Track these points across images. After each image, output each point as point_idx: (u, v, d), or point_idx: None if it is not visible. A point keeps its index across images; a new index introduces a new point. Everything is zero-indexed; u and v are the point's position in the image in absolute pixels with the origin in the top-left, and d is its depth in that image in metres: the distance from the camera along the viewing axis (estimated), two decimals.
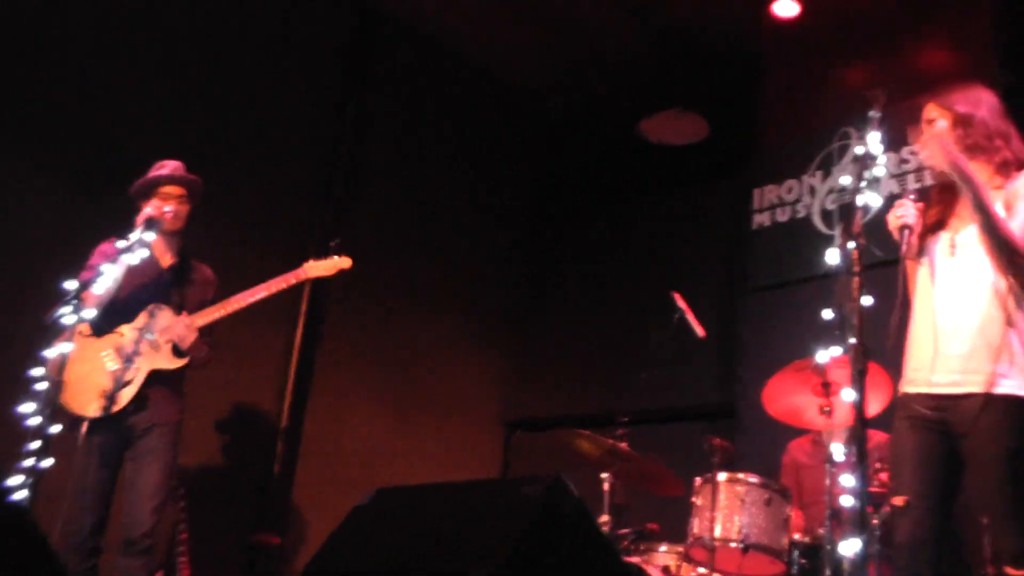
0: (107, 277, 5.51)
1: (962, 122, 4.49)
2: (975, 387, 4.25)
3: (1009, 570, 4.01)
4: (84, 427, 5.72)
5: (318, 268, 6.67)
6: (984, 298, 4.38)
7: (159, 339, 6.01)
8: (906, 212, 4.30)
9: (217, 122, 8.47)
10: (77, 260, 6.04)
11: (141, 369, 5.94)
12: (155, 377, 6.02)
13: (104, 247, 6.06)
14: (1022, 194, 4.45)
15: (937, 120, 4.56)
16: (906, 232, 4.17)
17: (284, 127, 9.08)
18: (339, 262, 6.77)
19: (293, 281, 6.53)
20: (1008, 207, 4.42)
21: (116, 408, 5.79)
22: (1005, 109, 4.68)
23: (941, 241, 4.53)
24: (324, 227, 8.91)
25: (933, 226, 4.55)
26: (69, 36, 7.73)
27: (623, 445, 6.17)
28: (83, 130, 7.69)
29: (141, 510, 5.80)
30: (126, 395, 5.86)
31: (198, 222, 6.45)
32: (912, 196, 4.40)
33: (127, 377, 5.85)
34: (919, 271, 4.56)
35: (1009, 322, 4.30)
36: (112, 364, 5.91)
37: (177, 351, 6.08)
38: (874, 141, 4.18)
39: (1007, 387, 4.23)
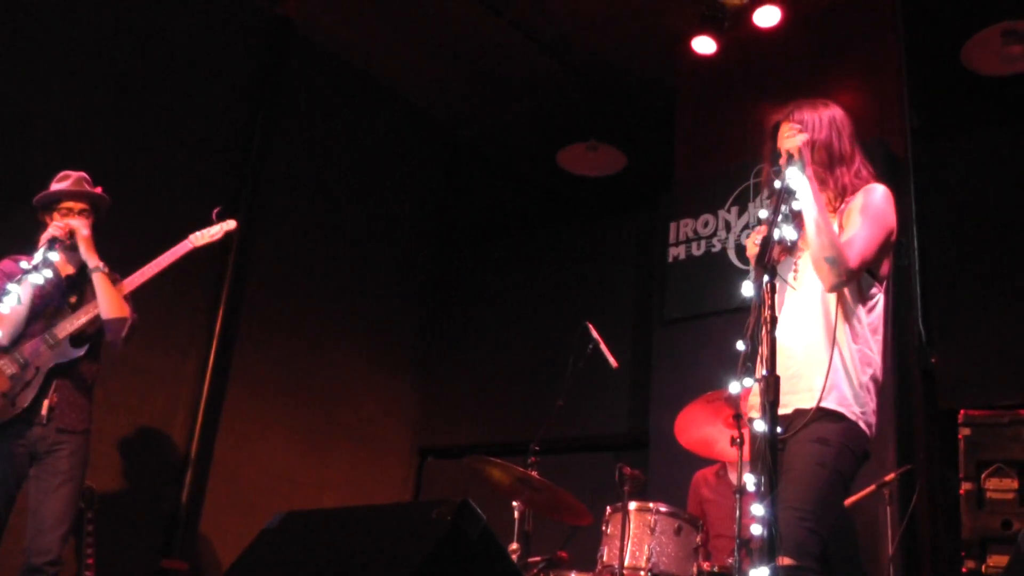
0: (13, 296, 5.42)
1: (811, 144, 4.48)
2: (799, 404, 4.27)
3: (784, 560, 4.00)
4: None
5: (203, 236, 6.44)
6: (817, 320, 4.41)
7: (57, 336, 5.91)
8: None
9: (122, 138, 8.37)
10: None
11: (40, 369, 5.86)
12: (60, 377, 5.93)
13: (5, 264, 5.97)
14: (855, 209, 4.47)
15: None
16: (756, 263, 4.09)
17: (186, 150, 8.97)
18: (225, 226, 6.54)
19: (181, 253, 6.29)
20: (842, 228, 4.45)
21: (16, 410, 5.76)
22: (853, 132, 4.68)
23: (786, 266, 4.54)
24: (229, 250, 8.83)
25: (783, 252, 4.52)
26: None
27: (534, 473, 6.15)
28: None
29: (49, 539, 5.69)
30: (26, 397, 5.80)
31: (104, 237, 6.31)
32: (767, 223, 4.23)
33: (26, 378, 5.82)
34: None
35: (835, 343, 4.31)
36: (9, 369, 5.81)
37: (75, 341, 5.97)
38: (792, 175, 4.16)
39: (824, 402, 4.22)
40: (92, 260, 6.01)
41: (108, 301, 5.98)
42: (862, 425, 4.29)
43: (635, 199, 10.17)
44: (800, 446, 4.18)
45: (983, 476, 5.98)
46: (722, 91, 9.25)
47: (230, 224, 6.56)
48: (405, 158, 11.21)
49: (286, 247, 9.65)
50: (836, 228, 4.46)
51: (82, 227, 6.01)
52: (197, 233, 6.43)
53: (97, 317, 6.00)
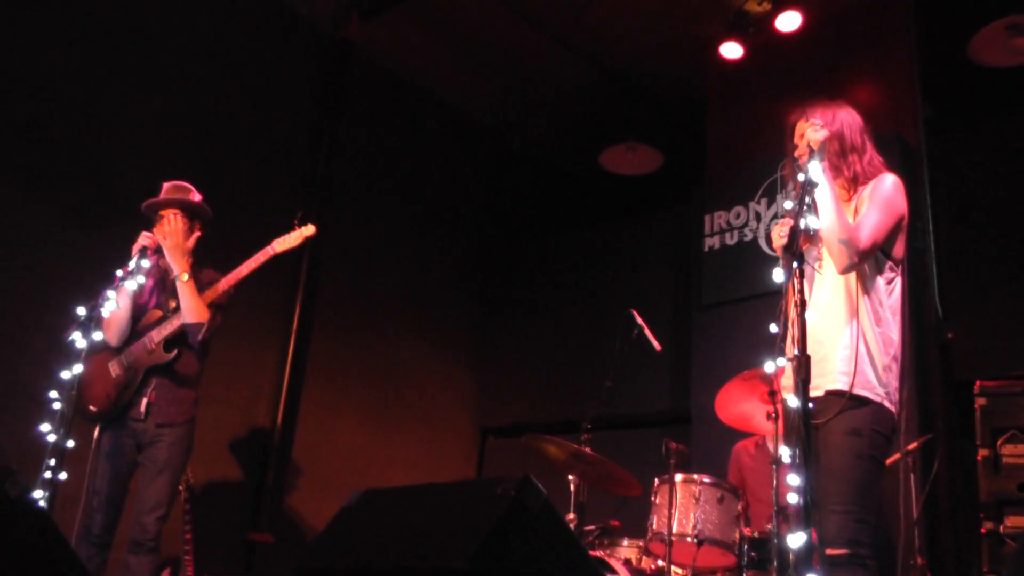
0: (111, 302, 5.51)
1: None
2: (829, 386, 4.25)
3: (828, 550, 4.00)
4: (96, 432, 5.86)
5: (285, 242, 6.35)
6: (841, 304, 4.39)
7: (153, 340, 6.02)
8: (788, 231, 4.02)
9: (206, 151, 8.51)
10: (83, 285, 6.03)
11: (139, 371, 5.98)
12: (158, 377, 6.03)
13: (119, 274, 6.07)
14: (867, 196, 4.47)
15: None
16: (785, 251, 4.00)
17: (261, 159, 9.12)
18: (304, 231, 6.43)
19: (263, 260, 6.23)
20: (856, 214, 4.44)
21: (119, 407, 5.92)
22: (864, 127, 4.67)
23: (810, 254, 4.49)
24: (303, 251, 8.90)
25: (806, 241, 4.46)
26: (65, 82, 7.76)
27: (587, 449, 6.18)
28: (81, 168, 7.74)
29: (147, 520, 5.81)
30: (126, 397, 5.94)
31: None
32: (791, 214, 4.09)
33: (127, 380, 5.95)
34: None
35: (858, 325, 4.29)
36: (115, 371, 5.96)
37: (167, 346, 6.05)
38: (814, 168, 4.15)
39: (848, 385, 4.20)
40: (175, 267, 6.07)
41: (187, 306, 6.03)
42: (887, 404, 4.27)
43: (672, 194, 10.17)
44: (835, 438, 4.18)
45: (999, 442, 5.96)
46: (749, 92, 9.24)
47: (309, 229, 6.47)
48: (459, 163, 11.26)
49: (354, 246, 9.73)
50: (852, 214, 4.47)
51: (165, 239, 6.09)
52: (279, 239, 6.42)
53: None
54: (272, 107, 9.24)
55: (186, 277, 6.05)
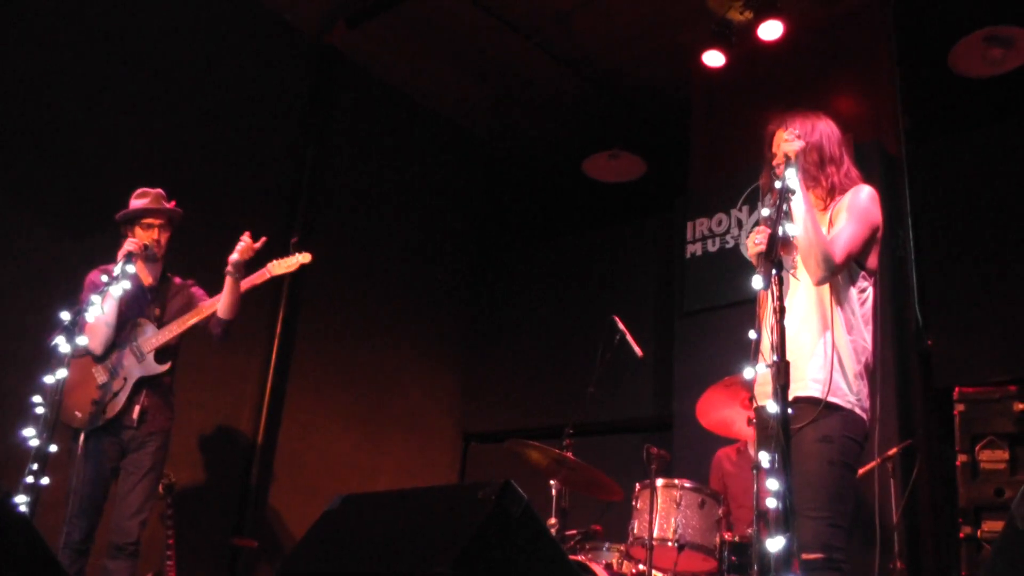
0: (96, 307, 5.50)
1: (805, 148, 4.49)
2: (798, 392, 4.20)
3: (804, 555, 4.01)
4: (82, 438, 5.80)
5: (280, 266, 6.46)
6: (814, 311, 4.40)
7: (143, 350, 6.02)
8: (763, 239, 4.07)
9: (189, 159, 8.49)
10: (67, 291, 6.04)
11: (128, 379, 5.96)
12: (147, 385, 6.04)
13: (93, 276, 6.06)
14: (843, 208, 4.48)
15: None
16: (763, 258, 3.98)
17: (248, 167, 9.08)
18: (300, 258, 6.55)
19: (258, 282, 6.35)
20: (831, 224, 4.46)
21: (107, 416, 5.88)
22: (842, 138, 4.69)
23: (785, 261, 4.34)
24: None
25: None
26: (50, 90, 7.73)
27: (569, 454, 6.18)
28: (66, 175, 7.69)
29: (130, 524, 5.82)
30: (116, 405, 5.91)
31: (170, 250, 6.41)
32: (768, 222, 4.12)
33: (115, 388, 5.92)
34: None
35: (831, 333, 4.30)
36: (101, 378, 5.94)
37: (159, 357, 6.06)
38: (791, 176, 4.16)
39: (820, 392, 4.21)
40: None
41: (232, 302, 6.21)
42: (858, 411, 4.28)
43: (655, 202, 10.19)
44: (807, 445, 4.17)
45: (977, 448, 6.00)
46: (732, 100, 9.26)
47: (305, 257, 6.58)
48: (445, 171, 11.25)
49: (339, 253, 9.71)
50: (827, 224, 4.49)
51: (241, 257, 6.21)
52: (275, 262, 6.47)
53: (180, 335, 6.15)
54: (258, 113, 9.21)
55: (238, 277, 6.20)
